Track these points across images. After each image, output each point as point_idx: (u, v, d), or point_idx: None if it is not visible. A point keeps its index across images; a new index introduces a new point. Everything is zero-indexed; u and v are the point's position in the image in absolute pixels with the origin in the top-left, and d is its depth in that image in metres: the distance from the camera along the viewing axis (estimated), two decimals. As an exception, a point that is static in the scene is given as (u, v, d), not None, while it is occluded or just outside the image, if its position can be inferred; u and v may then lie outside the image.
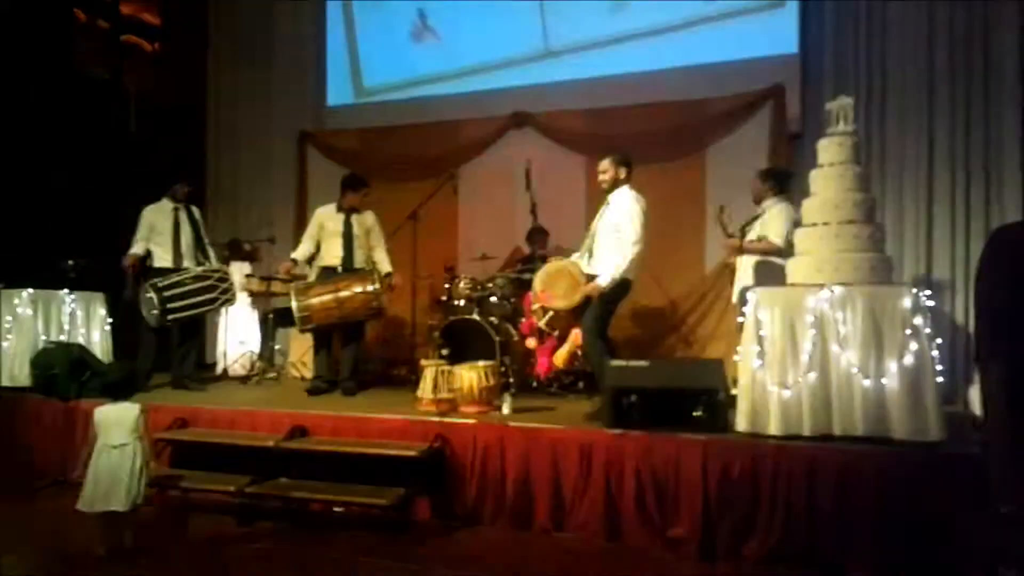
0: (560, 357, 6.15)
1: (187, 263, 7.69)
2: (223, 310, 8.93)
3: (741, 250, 6.70)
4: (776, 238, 6.46)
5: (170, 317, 7.31)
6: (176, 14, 12.07)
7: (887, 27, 8.05)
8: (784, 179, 6.89)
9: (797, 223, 6.53)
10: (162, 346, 7.69)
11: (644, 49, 9.06)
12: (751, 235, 6.69)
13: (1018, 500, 2.18)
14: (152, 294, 7.24)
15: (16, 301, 7.45)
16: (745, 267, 6.71)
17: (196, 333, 7.92)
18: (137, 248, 7.67)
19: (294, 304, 7.19)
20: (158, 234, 7.73)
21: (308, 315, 7.17)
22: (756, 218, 6.78)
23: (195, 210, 8.00)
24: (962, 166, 7.65)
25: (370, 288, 7.16)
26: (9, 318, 7.42)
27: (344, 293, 7.20)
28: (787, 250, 6.47)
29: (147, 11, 12.93)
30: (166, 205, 7.81)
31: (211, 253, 8.00)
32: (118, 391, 4.92)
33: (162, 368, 7.75)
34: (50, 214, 11.97)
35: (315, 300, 7.18)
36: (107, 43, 12.61)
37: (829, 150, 5.36)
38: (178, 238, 7.75)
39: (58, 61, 12.69)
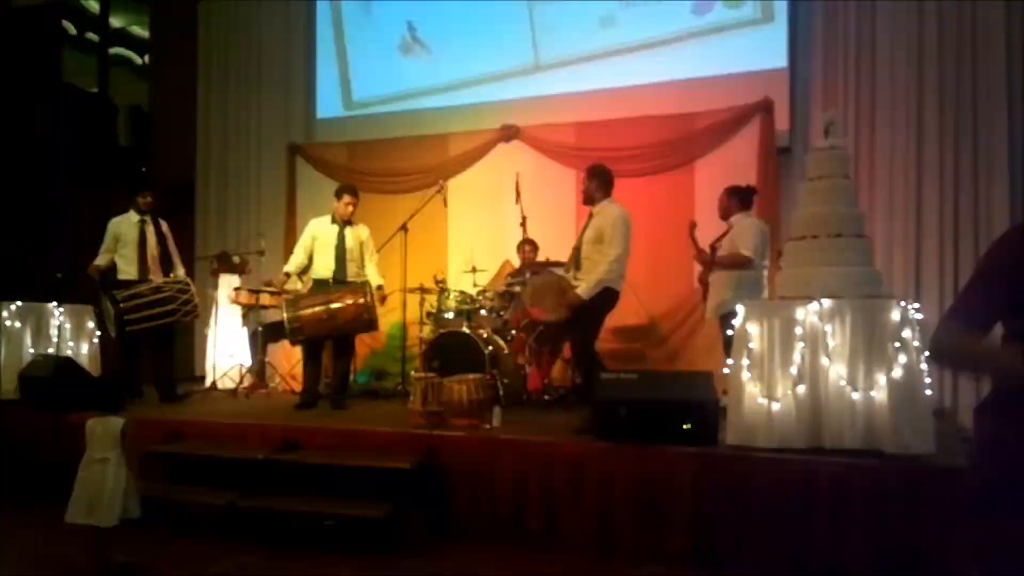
0: (558, 372, 6.17)
1: (152, 275, 7.66)
2: (211, 322, 8.96)
3: (713, 265, 6.76)
4: (746, 251, 6.53)
5: (128, 328, 7.29)
6: (166, 27, 12.11)
7: (876, 40, 8.11)
8: (748, 195, 7.03)
9: (765, 235, 6.66)
10: (139, 359, 7.67)
11: (633, 63, 9.09)
12: (721, 251, 6.78)
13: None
14: (110, 305, 7.27)
15: (4, 314, 7.45)
16: (718, 283, 6.77)
17: (169, 344, 7.84)
18: (101, 260, 7.67)
19: (285, 315, 7.18)
20: (123, 245, 7.72)
21: (299, 326, 7.15)
22: (725, 234, 6.87)
23: (163, 222, 7.96)
24: (951, 179, 7.70)
25: (361, 300, 7.15)
26: (-2, 331, 7.39)
27: (335, 305, 7.18)
28: (758, 263, 6.57)
29: (136, 24, 12.96)
30: (132, 217, 7.80)
31: (178, 266, 7.98)
32: (107, 403, 4.87)
33: (147, 381, 7.74)
34: (38, 227, 11.98)
35: (306, 311, 7.16)
36: (96, 56, 12.64)
37: (818, 163, 5.38)
38: (143, 250, 7.72)
39: (47, 74, 12.72)
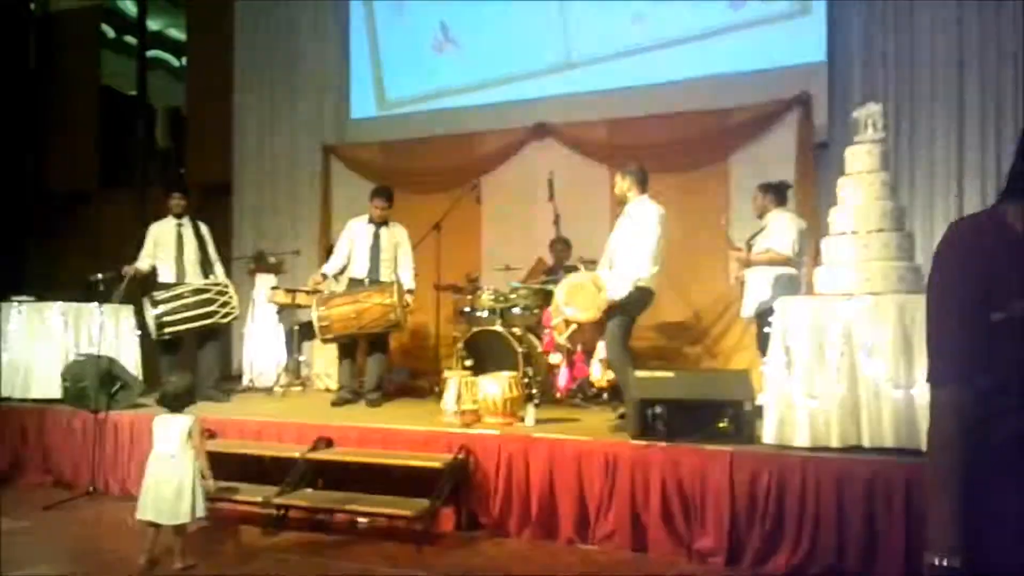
0: (598, 377, 6.12)
1: (191, 278, 7.74)
2: (249, 322, 9.02)
3: (748, 262, 6.68)
4: (783, 248, 6.45)
5: (167, 331, 7.37)
6: (202, 29, 12.19)
7: (915, 33, 7.99)
8: (782, 190, 6.93)
9: (802, 231, 6.57)
10: (179, 359, 7.73)
11: (667, 59, 9.01)
12: (756, 248, 6.69)
13: (950, 553, 1.83)
14: (150, 307, 7.33)
15: (47, 314, 7.52)
16: (755, 280, 6.68)
17: (210, 345, 7.88)
18: (142, 263, 7.78)
19: (314, 314, 7.25)
20: (162, 249, 7.82)
21: (327, 325, 7.21)
22: (760, 231, 6.78)
23: (202, 225, 8.04)
24: (993, 173, 7.57)
25: (388, 300, 7.16)
26: (40, 330, 7.49)
27: (363, 304, 7.21)
28: (795, 259, 6.48)
29: (173, 27, 13.07)
30: (169, 220, 7.90)
31: (217, 268, 8.05)
32: (174, 402, 4.89)
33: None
34: (78, 229, 12.13)
35: (335, 311, 7.21)
36: (134, 59, 12.77)
37: (857, 158, 5.31)
38: (182, 253, 7.80)
39: (86, 77, 12.87)
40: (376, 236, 7.60)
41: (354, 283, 7.62)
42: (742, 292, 6.93)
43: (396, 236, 7.70)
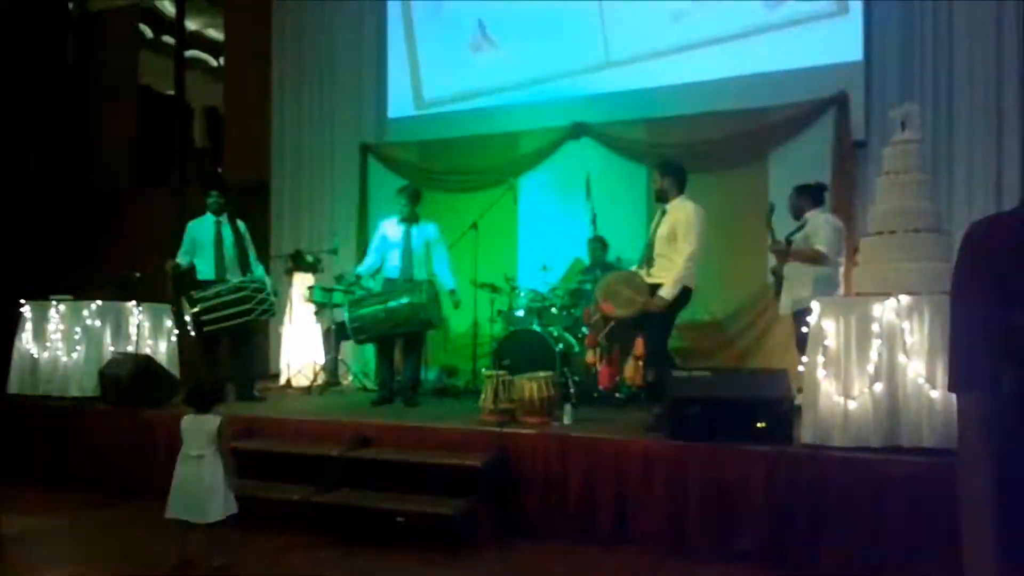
0: (630, 371, 6.11)
1: (230, 275, 7.77)
2: (286, 321, 9.10)
3: (787, 256, 6.65)
4: (822, 247, 6.42)
5: (206, 328, 7.42)
6: (239, 29, 12.28)
7: (953, 31, 7.90)
8: (819, 192, 6.92)
9: (840, 231, 6.54)
10: (218, 357, 7.81)
11: (705, 58, 8.97)
12: (795, 246, 6.67)
13: None
14: (188, 305, 7.42)
15: (85, 313, 7.61)
16: (793, 279, 6.65)
17: (248, 343, 7.94)
18: (181, 260, 7.82)
19: (346, 315, 7.33)
20: (200, 247, 7.86)
21: (359, 326, 7.29)
22: (799, 229, 6.75)
23: (240, 223, 8.06)
24: (1033, 173, 7.49)
25: (417, 299, 7.19)
26: (78, 329, 7.58)
27: (392, 304, 7.26)
28: (833, 258, 6.45)
29: (211, 27, 13.18)
30: (208, 218, 7.95)
31: (255, 266, 8.07)
32: (203, 401, 4.94)
33: (225, 379, 7.90)
34: (117, 227, 12.27)
35: (366, 311, 7.26)
36: (172, 58, 12.89)
37: (894, 158, 5.28)
38: (220, 251, 7.84)
39: (125, 77, 13.02)
40: (407, 235, 7.64)
41: (388, 283, 7.67)
42: (779, 288, 6.90)
43: (427, 234, 7.73)
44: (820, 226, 6.57)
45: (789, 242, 6.72)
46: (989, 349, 1.78)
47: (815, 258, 6.44)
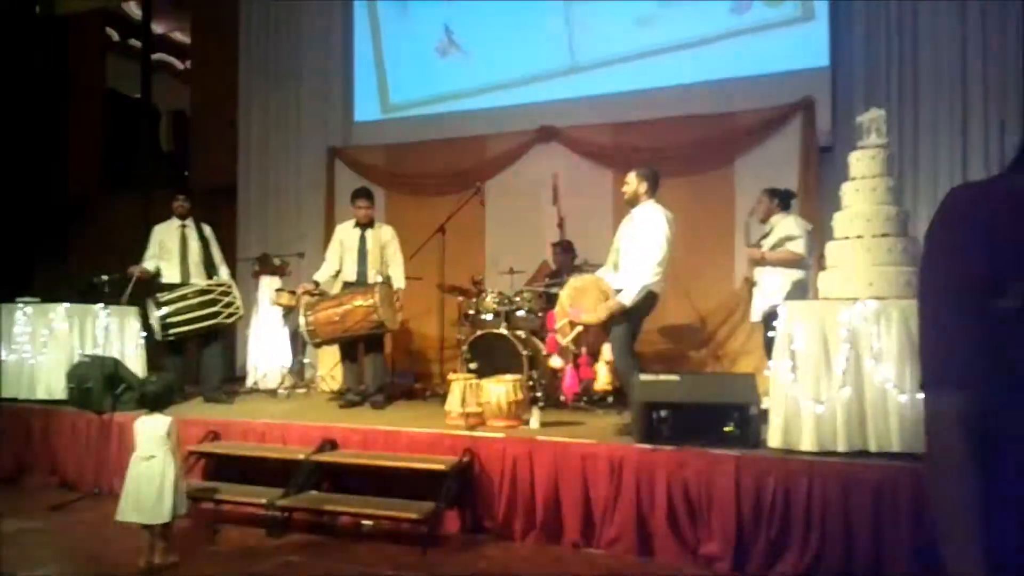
0: (603, 381, 6.10)
1: (195, 279, 7.81)
2: (253, 323, 9.05)
3: (763, 260, 6.68)
4: (798, 248, 6.47)
5: (171, 332, 7.43)
6: (207, 33, 12.22)
7: (918, 37, 8.02)
8: (789, 197, 7.00)
9: (810, 233, 6.60)
10: (185, 359, 7.79)
11: (672, 63, 9.04)
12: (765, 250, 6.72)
13: None
14: (154, 309, 7.40)
15: (52, 315, 7.52)
16: (766, 283, 6.68)
17: (214, 346, 7.92)
18: (147, 264, 7.85)
19: (302, 320, 7.35)
20: (166, 251, 7.90)
21: (314, 329, 7.31)
22: (765, 235, 6.80)
23: (205, 227, 8.11)
24: (997, 177, 7.56)
25: (369, 302, 7.18)
26: (45, 332, 7.48)
27: (346, 307, 7.26)
28: (807, 260, 6.50)
29: (178, 30, 13.10)
30: (173, 222, 7.99)
31: (221, 270, 8.11)
32: (154, 402, 4.92)
33: (192, 381, 7.85)
34: (81, 231, 12.14)
35: (321, 315, 7.26)
36: (139, 62, 12.79)
37: (861, 163, 5.31)
38: (185, 255, 7.87)
39: (91, 80, 12.90)
40: (362, 239, 7.68)
41: (346, 286, 7.69)
42: (750, 294, 6.93)
43: (382, 237, 7.75)
44: (791, 228, 6.61)
45: (758, 246, 6.76)
46: (968, 338, 1.56)
47: (792, 261, 6.47)
